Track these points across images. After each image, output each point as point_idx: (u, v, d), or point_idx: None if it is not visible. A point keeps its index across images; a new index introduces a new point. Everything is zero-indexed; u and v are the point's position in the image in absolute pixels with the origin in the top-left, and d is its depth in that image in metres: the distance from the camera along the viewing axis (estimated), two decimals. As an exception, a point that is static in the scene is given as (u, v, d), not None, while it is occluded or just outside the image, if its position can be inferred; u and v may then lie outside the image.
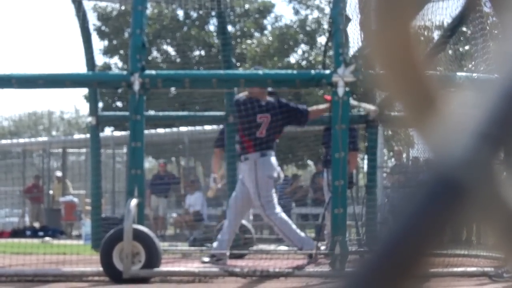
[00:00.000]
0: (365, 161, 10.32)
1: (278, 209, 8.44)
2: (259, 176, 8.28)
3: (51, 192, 22.98)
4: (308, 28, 27.05)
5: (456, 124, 1.11)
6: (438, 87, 1.23)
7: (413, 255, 1.09)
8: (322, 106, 8.92)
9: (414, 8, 1.23)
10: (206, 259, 8.73)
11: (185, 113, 12.25)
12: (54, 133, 49.59)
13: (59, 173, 23.21)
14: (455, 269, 7.25)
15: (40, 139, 29.55)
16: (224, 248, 8.55)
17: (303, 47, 27.20)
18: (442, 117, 1.16)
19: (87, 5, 10.82)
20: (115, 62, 30.07)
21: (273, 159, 8.51)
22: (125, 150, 21.65)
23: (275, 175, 8.48)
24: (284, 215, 8.52)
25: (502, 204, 1.07)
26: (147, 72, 7.81)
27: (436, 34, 9.17)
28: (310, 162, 26.20)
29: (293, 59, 26.91)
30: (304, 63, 25.79)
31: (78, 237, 17.95)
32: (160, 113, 14.22)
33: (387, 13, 1.20)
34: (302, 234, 8.78)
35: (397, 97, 1.27)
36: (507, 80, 1.11)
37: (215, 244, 8.68)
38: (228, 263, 8.56)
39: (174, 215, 19.10)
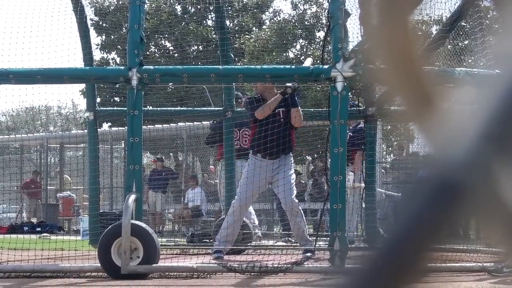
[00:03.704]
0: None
1: None
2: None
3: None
4: (306, 23, 27.00)
5: (457, 122, 1.08)
6: (438, 82, 1.20)
7: (414, 252, 1.06)
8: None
9: (414, 3, 1.21)
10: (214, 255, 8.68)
11: (183, 108, 12.17)
12: (51, 128, 49.50)
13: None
14: (454, 265, 7.22)
15: (37, 134, 29.47)
16: (227, 244, 8.56)
17: (302, 41, 27.16)
18: (443, 113, 1.13)
19: (85, 0, 10.77)
20: (113, 57, 30.03)
21: None
22: (123, 145, 21.60)
23: None
24: None
25: (502, 203, 1.05)
26: (145, 67, 7.78)
27: (434, 29, 9.13)
28: (308, 157, 26.15)
29: (291, 53, 26.88)
30: (302, 58, 25.75)
31: (76, 232, 17.91)
32: (158, 109, 14.17)
33: (387, 8, 1.17)
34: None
35: (397, 92, 1.25)
36: (509, 80, 1.08)
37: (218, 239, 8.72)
38: (225, 258, 8.54)
39: (172, 210, 19.07)
